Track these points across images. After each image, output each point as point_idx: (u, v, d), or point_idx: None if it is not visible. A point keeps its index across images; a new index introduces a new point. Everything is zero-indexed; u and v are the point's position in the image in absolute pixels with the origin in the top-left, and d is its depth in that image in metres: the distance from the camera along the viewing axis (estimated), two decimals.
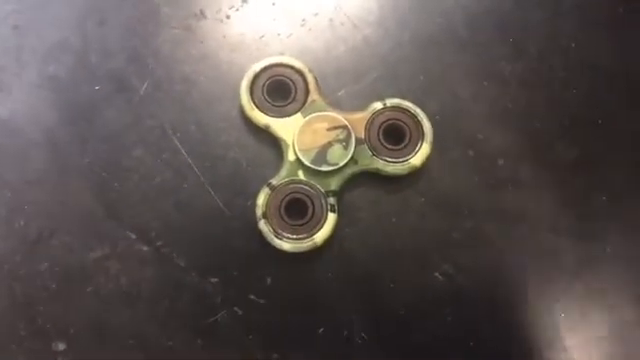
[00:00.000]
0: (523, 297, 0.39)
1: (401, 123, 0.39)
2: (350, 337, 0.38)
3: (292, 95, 0.39)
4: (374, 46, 0.42)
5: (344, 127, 0.38)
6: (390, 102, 0.39)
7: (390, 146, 0.39)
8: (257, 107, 0.39)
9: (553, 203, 0.39)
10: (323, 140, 0.38)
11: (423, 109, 0.39)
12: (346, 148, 0.38)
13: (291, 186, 0.38)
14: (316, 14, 0.43)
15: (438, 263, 0.39)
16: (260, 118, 0.39)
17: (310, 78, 0.39)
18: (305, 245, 0.37)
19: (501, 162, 0.40)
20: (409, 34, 0.42)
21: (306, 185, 0.38)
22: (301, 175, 0.38)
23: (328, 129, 0.38)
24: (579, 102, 0.41)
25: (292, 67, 0.40)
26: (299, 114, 0.39)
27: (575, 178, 0.40)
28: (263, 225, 0.37)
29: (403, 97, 0.39)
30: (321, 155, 0.38)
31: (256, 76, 0.39)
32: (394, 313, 0.38)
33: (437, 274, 0.39)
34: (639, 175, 0.40)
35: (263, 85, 0.39)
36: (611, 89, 0.41)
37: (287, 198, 0.38)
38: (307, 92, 0.39)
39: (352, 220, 0.39)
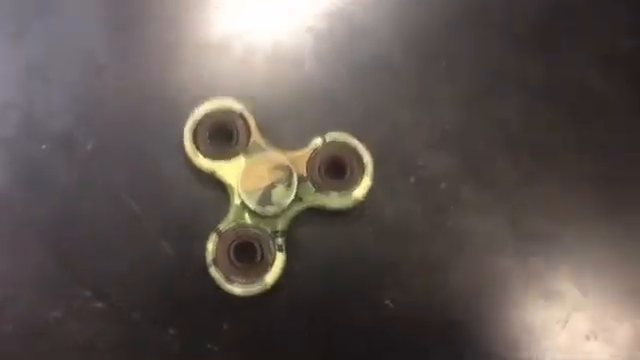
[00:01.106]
0: (476, 318, 0.40)
1: (341, 157, 0.40)
2: None
3: (234, 138, 0.40)
4: (312, 81, 0.43)
5: (286, 166, 0.39)
6: (330, 137, 0.40)
7: (333, 181, 0.39)
8: (201, 153, 0.40)
9: (496, 223, 0.40)
10: (266, 181, 0.39)
11: (363, 140, 0.40)
12: (289, 187, 0.39)
13: (238, 230, 0.39)
14: (254, 52, 0.43)
15: (389, 291, 0.39)
16: (204, 164, 0.40)
17: (251, 119, 0.40)
18: (256, 288, 0.38)
19: (443, 186, 0.41)
20: (345, 66, 0.43)
21: (253, 228, 0.39)
22: (247, 218, 0.39)
23: (270, 170, 0.39)
24: (516, 121, 0.42)
25: (232, 110, 0.40)
26: (241, 156, 0.40)
27: (515, 198, 0.40)
28: (214, 271, 0.38)
29: (343, 129, 0.40)
30: (265, 196, 0.39)
31: (198, 123, 0.40)
32: (349, 347, 0.39)
33: (388, 302, 0.39)
34: (577, 192, 0.41)
35: (205, 130, 0.40)
36: (546, 105, 0.42)
37: (235, 242, 0.38)
38: (249, 134, 0.40)
39: (301, 257, 0.40)
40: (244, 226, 0.39)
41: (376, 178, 0.39)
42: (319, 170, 0.40)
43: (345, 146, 0.40)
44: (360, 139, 0.40)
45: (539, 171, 0.41)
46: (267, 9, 0.44)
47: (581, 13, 0.44)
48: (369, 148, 0.40)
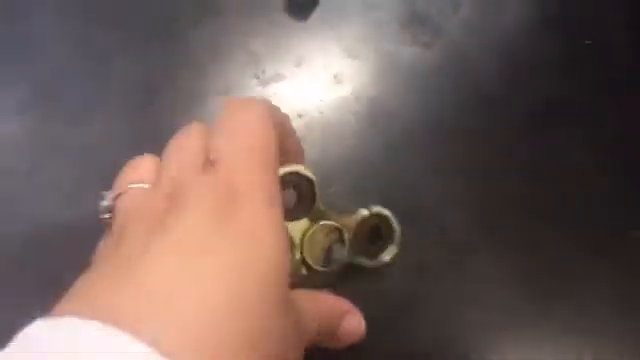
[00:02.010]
0: (489, 350, 0.50)
1: (379, 227, 0.49)
2: None
3: (302, 201, 0.46)
4: (352, 155, 0.52)
5: (338, 230, 0.47)
6: (374, 209, 0.49)
7: (369, 246, 0.50)
8: None
9: (506, 265, 0.52)
10: (323, 245, 0.47)
11: (391, 208, 0.50)
12: (342, 246, 0.47)
13: (295, 282, 0.46)
14: (311, 129, 0.51)
15: (416, 320, 0.50)
16: None
17: (316, 188, 0.46)
18: None
19: (461, 237, 0.52)
20: (379, 141, 0.53)
21: (307, 280, 0.47)
22: (303, 270, 0.47)
23: (326, 234, 0.47)
24: (520, 188, 0.55)
25: (301, 174, 0.45)
26: (305, 219, 0.46)
27: (520, 249, 0.52)
28: None
29: (377, 192, 0.51)
30: (325, 257, 0.46)
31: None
32: None
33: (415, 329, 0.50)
34: (581, 254, 0.53)
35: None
36: (544, 178, 0.55)
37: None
38: (314, 198, 0.46)
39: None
40: (299, 278, 0.46)
41: (407, 228, 0.49)
42: (362, 236, 0.49)
43: (383, 217, 0.49)
44: (390, 199, 0.50)
45: (542, 230, 0.53)
46: (318, 99, 0.53)
47: (570, 103, 0.58)
48: (399, 211, 0.49)
